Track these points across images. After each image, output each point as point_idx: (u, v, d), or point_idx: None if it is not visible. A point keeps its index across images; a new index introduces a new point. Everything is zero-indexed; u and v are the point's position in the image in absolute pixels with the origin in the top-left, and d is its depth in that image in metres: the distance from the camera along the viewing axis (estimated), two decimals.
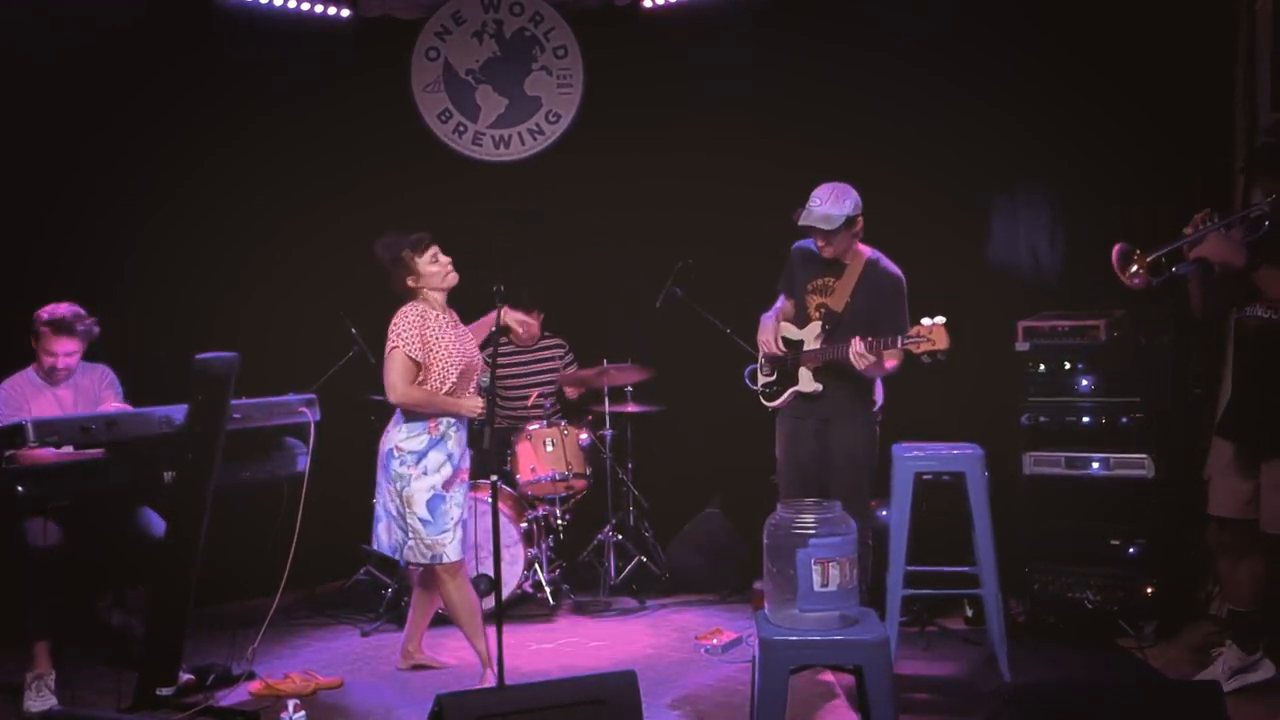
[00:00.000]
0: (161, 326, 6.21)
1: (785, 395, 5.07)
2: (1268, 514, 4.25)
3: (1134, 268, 4.29)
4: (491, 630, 4.29)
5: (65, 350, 4.96)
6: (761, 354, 5.26)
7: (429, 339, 4.73)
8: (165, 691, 4.62)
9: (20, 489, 4.27)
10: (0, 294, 5.62)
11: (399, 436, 4.76)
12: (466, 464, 4.87)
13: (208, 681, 4.86)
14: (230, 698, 4.80)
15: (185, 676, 4.78)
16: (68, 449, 4.33)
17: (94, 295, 5.79)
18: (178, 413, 4.43)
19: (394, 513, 4.78)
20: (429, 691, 4.58)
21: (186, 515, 4.55)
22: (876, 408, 5.05)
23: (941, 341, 4.43)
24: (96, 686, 4.93)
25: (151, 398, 4.63)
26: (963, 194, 6.15)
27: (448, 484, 4.76)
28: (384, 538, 4.85)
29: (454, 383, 4.74)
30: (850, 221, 4.82)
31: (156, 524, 5.00)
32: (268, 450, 4.85)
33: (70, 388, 5.06)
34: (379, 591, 6.11)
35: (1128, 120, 5.63)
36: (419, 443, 4.74)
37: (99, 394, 5.12)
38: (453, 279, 4.87)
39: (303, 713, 4.28)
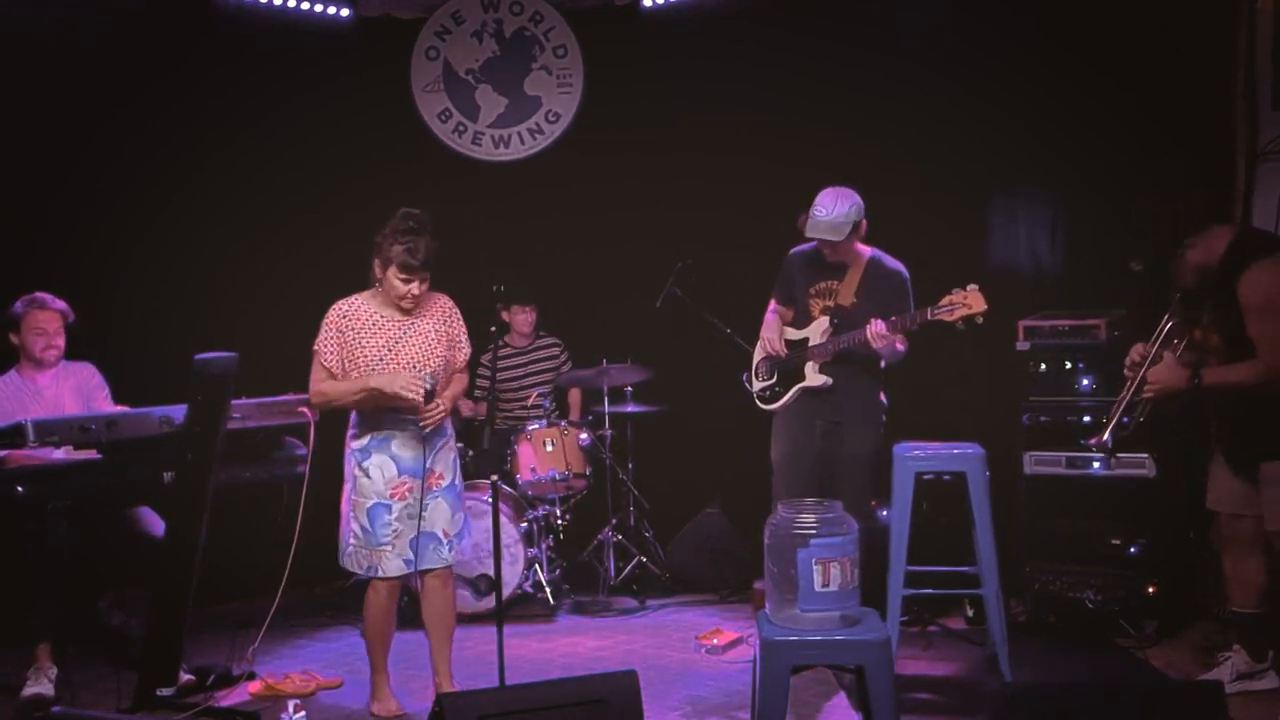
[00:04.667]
0: (161, 326, 6.21)
1: (789, 395, 5.08)
2: (1269, 511, 4.28)
3: (1105, 449, 4.48)
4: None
5: (51, 325, 4.95)
6: (760, 355, 5.25)
7: None
8: (165, 692, 4.62)
9: (20, 489, 4.27)
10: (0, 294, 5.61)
11: None
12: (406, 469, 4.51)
13: (208, 682, 4.85)
14: (230, 698, 4.80)
15: (185, 676, 4.78)
16: (66, 449, 4.34)
17: (94, 295, 5.80)
18: (177, 413, 4.43)
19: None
20: (428, 691, 4.60)
21: (186, 515, 4.55)
22: (884, 410, 5.09)
23: (979, 304, 4.51)
24: (96, 686, 4.93)
25: (151, 398, 4.62)
26: (963, 193, 6.14)
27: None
28: None
29: None
30: (856, 226, 4.86)
31: (156, 524, 4.99)
32: (268, 450, 4.84)
33: (55, 386, 5.05)
34: None
35: (1128, 119, 5.63)
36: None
37: (90, 393, 5.11)
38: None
39: (303, 713, 4.27)
